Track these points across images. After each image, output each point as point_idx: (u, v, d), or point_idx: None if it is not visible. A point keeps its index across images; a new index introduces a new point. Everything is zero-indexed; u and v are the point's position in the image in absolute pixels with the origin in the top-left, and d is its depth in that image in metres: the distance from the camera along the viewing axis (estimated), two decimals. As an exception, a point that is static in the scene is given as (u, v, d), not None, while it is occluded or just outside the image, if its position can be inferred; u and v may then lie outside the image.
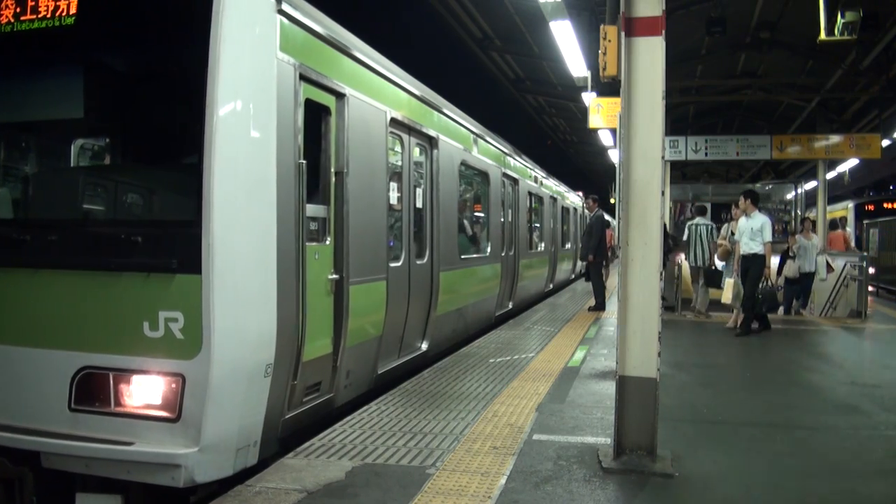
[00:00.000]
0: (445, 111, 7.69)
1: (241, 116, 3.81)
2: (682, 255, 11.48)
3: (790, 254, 11.15)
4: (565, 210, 18.69)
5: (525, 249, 12.35)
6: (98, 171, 4.67)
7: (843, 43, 10.79)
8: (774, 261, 10.21)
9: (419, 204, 6.99)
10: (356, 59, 5.29)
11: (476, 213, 10.17)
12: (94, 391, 3.65)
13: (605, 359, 7.15)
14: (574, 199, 20.86)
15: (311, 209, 4.59)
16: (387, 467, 3.86)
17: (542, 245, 14.74)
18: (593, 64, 11.54)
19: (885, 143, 17.86)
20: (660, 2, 3.90)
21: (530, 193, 13.25)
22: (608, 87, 11.99)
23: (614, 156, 16.14)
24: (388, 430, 4.54)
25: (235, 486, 3.56)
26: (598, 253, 11.72)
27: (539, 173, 14.43)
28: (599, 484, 3.64)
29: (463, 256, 8.36)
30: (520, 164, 12.34)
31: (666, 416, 4.18)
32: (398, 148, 6.44)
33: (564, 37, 10.39)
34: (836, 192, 23.13)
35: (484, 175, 9.81)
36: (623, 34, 3.91)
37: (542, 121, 23.39)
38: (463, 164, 8.45)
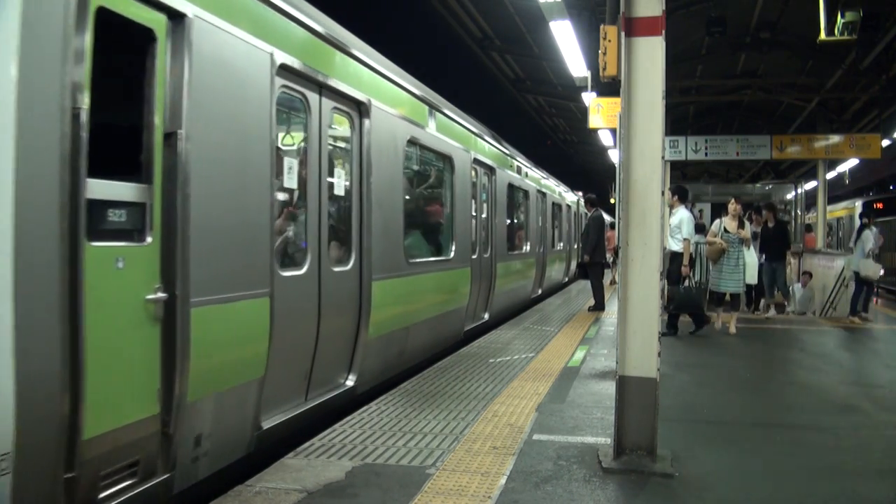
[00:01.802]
0: (383, 70, 5.91)
1: None
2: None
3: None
4: (556, 206, 16.92)
5: (504, 251, 10.76)
6: None
7: (843, 43, 10.82)
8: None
9: (339, 191, 5.30)
10: None
11: (435, 207, 8.49)
12: None
13: (605, 359, 7.15)
14: (569, 195, 19.63)
15: (103, 187, 2.97)
16: (387, 467, 3.86)
17: (528, 246, 12.96)
18: (593, 64, 11.55)
19: (885, 143, 17.87)
20: (660, 2, 3.90)
21: (512, 186, 11.48)
22: (608, 87, 12.00)
23: (614, 156, 16.14)
24: (388, 430, 4.54)
25: (235, 486, 3.56)
26: (594, 253, 11.70)
27: (522, 162, 12.66)
28: (599, 484, 3.64)
29: (413, 260, 6.73)
30: (497, 151, 10.57)
31: (666, 416, 4.18)
32: (299, 109, 4.75)
33: (564, 37, 10.40)
34: (837, 192, 23.13)
35: (447, 160, 8.01)
36: (623, 34, 3.91)
37: (542, 121, 23.42)
38: (413, 142, 6.75)
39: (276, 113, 4.22)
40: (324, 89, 4.91)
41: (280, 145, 4.57)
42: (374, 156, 5.62)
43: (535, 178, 13.83)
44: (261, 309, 4.02)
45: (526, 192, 12.86)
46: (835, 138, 16.09)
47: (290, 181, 4.61)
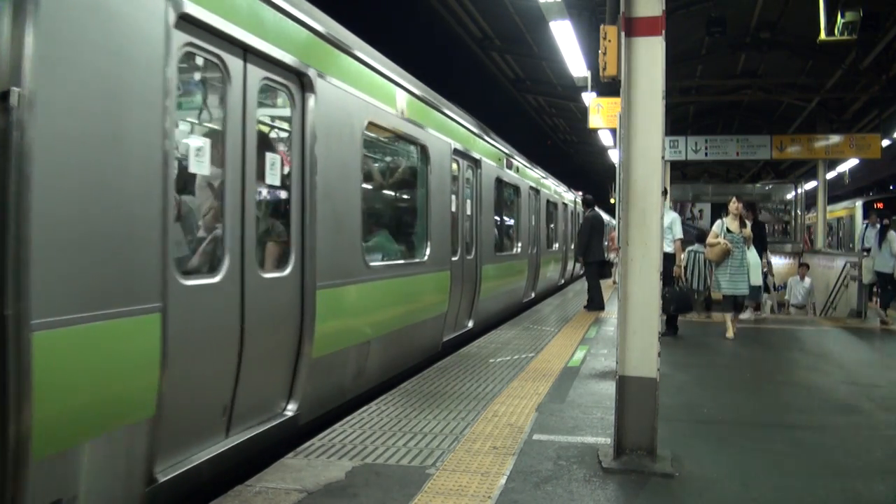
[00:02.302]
0: (337, 38, 4.99)
1: None
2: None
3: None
4: (552, 204, 16.06)
5: (491, 252, 9.86)
6: None
7: (843, 43, 10.83)
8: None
9: (273, 180, 4.33)
10: None
11: (407, 203, 7.59)
12: None
13: (605, 359, 7.15)
14: (566, 193, 18.89)
15: None
16: (387, 467, 3.86)
17: (519, 246, 11.99)
18: (593, 64, 11.56)
19: (885, 143, 17.88)
20: (660, 2, 3.90)
21: (501, 181, 10.65)
22: (608, 87, 12.01)
23: (614, 156, 16.13)
24: (388, 430, 4.54)
25: (235, 486, 3.56)
26: (587, 253, 11.68)
27: (513, 156, 11.73)
28: (599, 484, 3.64)
29: (375, 264, 5.80)
30: (484, 143, 9.60)
31: (666, 416, 4.18)
32: (214, 76, 3.87)
33: (564, 37, 10.41)
34: (837, 191, 23.13)
35: (421, 149, 7.04)
36: (623, 34, 3.91)
37: (542, 121, 23.43)
38: (376, 126, 5.84)
39: (176, 77, 3.35)
40: (250, 54, 3.95)
41: (184, 119, 3.93)
42: (322, 140, 4.65)
43: (527, 173, 12.99)
44: (147, 329, 3.09)
45: (517, 189, 12.00)
46: (835, 138, 16.11)
47: (199, 166, 3.68)
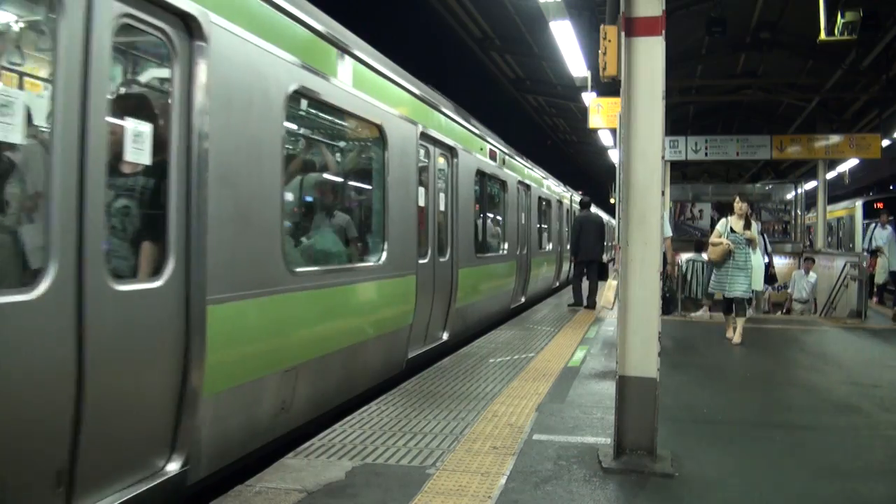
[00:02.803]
0: None
1: None
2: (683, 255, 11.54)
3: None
4: (545, 202, 15.00)
5: (471, 253, 8.82)
6: None
7: (843, 43, 10.82)
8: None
9: (136, 157, 3.25)
10: None
11: (356, 196, 6.56)
12: None
13: (605, 359, 7.15)
14: (560, 189, 17.88)
15: None
16: (387, 467, 3.86)
17: (506, 247, 10.85)
18: (593, 64, 11.56)
19: (885, 143, 17.88)
20: (660, 2, 3.90)
21: (483, 174, 9.57)
22: (608, 87, 12.02)
23: (614, 156, 16.13)
24: (388, 430, 4.54)
25: (235, 485, 3.56)
26: (576, 253, 11.87)
27: (498, 146, 10.60)
28: (599, 484, 3.64)
29: (303, 269, 4.68)
30: (462, 129, 8.46)
31: (666, 416, 4.18)
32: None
33: (564, 37, 10.41)
34: (837, 191, 23.12)
35: (376, 130, 5.87)
36: (623, 34, 3.91)
37: (542, 121, 23.44)
38: (305, 95, 4.72)
39: None
40: None
41: None
42: (220, 108, 3.64)
43: (516, 166, 11.81)
44: None
45: (503, 183, 10.79)
46: (835, 138, 16.10)
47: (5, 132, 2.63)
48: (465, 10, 12.91)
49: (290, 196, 4.84)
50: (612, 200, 25.83)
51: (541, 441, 4.34)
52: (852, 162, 19.70)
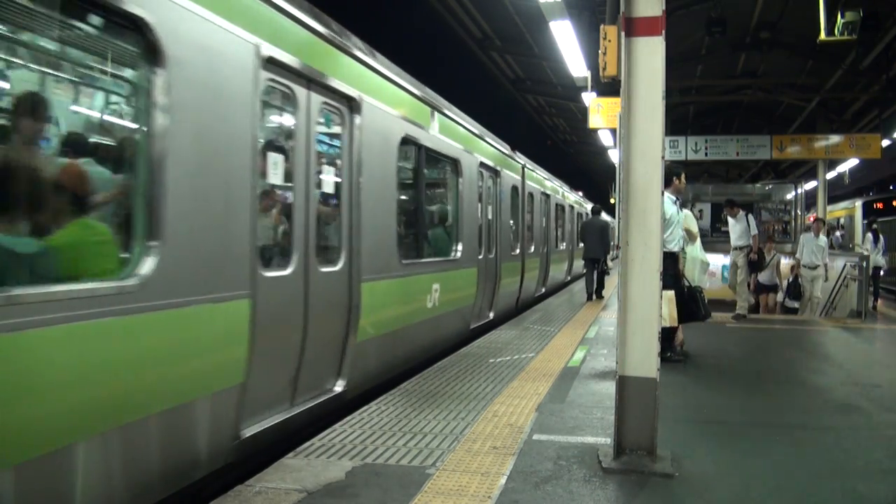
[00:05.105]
0: None
1: None
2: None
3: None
4: (529, 195, 12.79)
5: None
6: None
7: (843, 43, 10.82)
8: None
9: None
10: None
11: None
12: None
13: (605, 359, 7.15)
14: (549, 182, 15.41)
15: None
16: (387, 467, 3.86)
17: (460, 250, 8.32)
18: (593, 64, 11.56)
19: (885, 143, 17.89)
20: (660, 2, 3.90)
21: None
22: (608, 87, 12.03)
23: (614, 156, 16.14)
24: (388, 430, 4.54)
25: (235, 486, 3.56)
26: (584, 251, 13.14)
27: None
28: (599, 484, 3.64)
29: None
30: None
31: (666, 415, 4.17)
32: None
33: (564, 37, 10.42)
34: (836, 192, 23.13)
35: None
36: (623, 34, 3.91)
37: (542, 121, 23.44)
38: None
39: None
40: None
41: None
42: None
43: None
44: None
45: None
46: (835, 138, 16.12)
47: None
48: (465, 10, 12.92)
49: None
50: (612, 200, 25.84)
51: (541, 441, 4.34)
52: (852, 162, 19.71)
